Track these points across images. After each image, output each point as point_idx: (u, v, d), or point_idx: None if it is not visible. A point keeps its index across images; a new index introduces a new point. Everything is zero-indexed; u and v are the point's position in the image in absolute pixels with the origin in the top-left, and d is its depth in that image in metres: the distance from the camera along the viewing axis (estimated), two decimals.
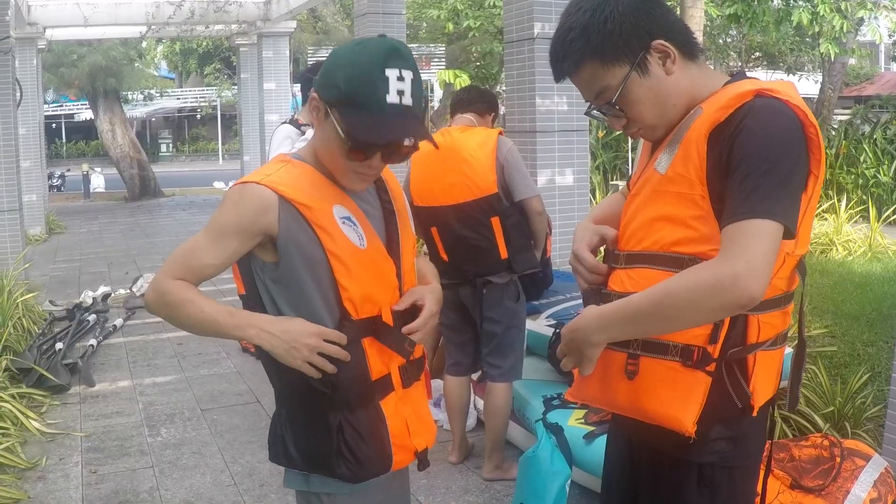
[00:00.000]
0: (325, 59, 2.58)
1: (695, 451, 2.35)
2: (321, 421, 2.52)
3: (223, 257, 2.47)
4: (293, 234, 2.41)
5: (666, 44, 2.32)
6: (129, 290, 11.71)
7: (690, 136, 2.27)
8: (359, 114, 2.36)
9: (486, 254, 5.22)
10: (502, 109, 10.49)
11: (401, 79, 2.36)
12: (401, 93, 2.36)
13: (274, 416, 2.69)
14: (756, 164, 2.12)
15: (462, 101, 5.61)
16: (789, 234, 2.13)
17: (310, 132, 5.76)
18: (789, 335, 2.45)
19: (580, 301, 6.41)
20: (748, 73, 2.50)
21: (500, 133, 5.34)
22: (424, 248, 5.55)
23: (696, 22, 11.41)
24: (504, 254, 5.21)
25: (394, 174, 2.84)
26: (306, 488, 2.63)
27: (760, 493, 2.60)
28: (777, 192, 2.11)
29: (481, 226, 5.15)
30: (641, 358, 2.34)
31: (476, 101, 5.59)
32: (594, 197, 15.00)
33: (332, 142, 2.45)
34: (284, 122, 6.29)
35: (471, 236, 5.20)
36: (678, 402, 2.28)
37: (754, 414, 2.35)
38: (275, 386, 2.66)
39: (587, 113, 2.49)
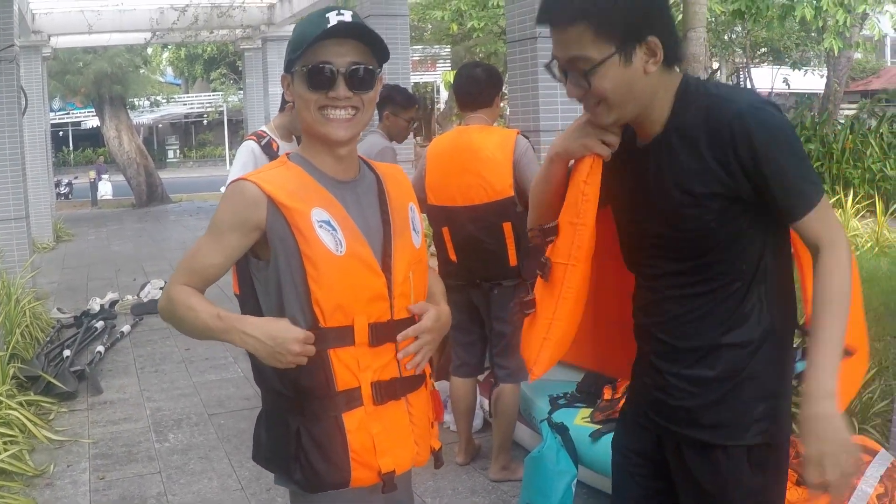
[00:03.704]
0: None
1: (744, 434, 2.43)
2: (283, 423, 2.55)
3: (224, 255, 2.51)
4: (277, 232, 2.44)
5: (658, 43, 2.30)
6: (136, 297, 11.71)
7: None
8: (304, 43, 2.47)
9: (496, 258, 5.19)
10: (507, 109, 10.47)
11: (340, 14, 2.46)
12: (341, 20, 2.46)
13: (258, 415, 2.72)
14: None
15: (466, 98, 5.47)
16: None
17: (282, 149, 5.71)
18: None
19: None
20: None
21: (518, 133, 5.29)
22: (432, 247, 5.53)
23: (700, 18, 11.36)
24: (513, 260, 5.19)
25: (408, 186, 2.84)
26: (286, 486, 2.65)
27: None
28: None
29: (495, 229, 5.13)
30: None
31: (481, 94, 5.43)
32: None
33: (302, 94, 2.54)
34: (249, 137, 6.12)
35: (484, 239, 5.18)
36: None
37: None
38: (257, 385, 2.68)
39: (547, 67, 2.45)
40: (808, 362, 2.29)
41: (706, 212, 2.33)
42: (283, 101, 6.05)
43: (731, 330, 2.41)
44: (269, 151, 5.78)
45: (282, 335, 2.38)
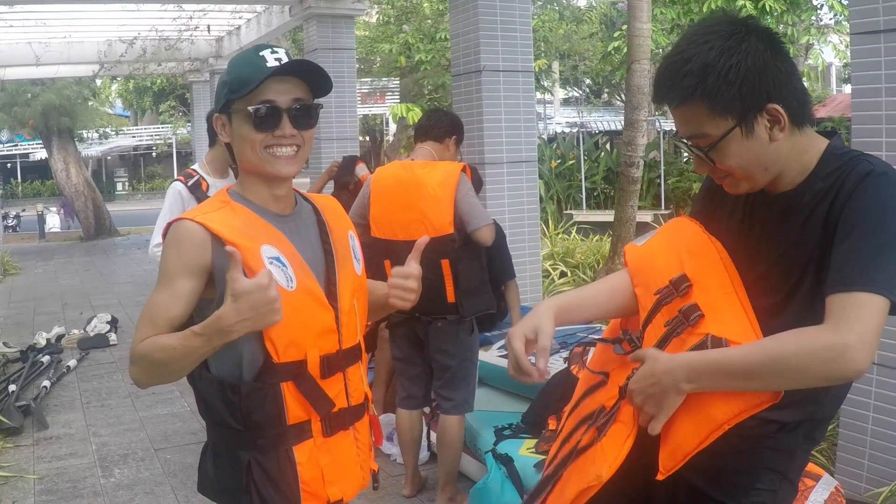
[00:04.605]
0: None
1: (742, 496, 2.38)
2: (233, 457, 2.53)
3: (183, 303, 2.42)
4: (225, 271, 2.30)
5: (780, 109, 2.20)
6: (83, 331, 11.62)
7: None
8: (247, 86, 2.45)
9: (435, 293, 5.16)
10: None
11: (274, 52, 2.49)
12: (278, 59, 2.47)
13: (203, 447, 2.70)
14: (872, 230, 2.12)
15: (420, 130, 5.62)
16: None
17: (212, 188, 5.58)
18: None
19: None
20: None
21: (463, 169, 5.31)
22: None
23: (644, 50, 11.52)
24: (451, 297, 5.21)
25: (344, 216, 2.88)
26: None
27: None
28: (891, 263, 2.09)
29: (433, 265, 5.11)
30: None
31: (433, 128, 5.57)
32: (546, 227, 15.01)
33: (244, 135, 2.52)
34: (178, 178, 5.87)
35: (424, 275, 5.19)
36: None
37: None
38: (202, 418, 2.65)
39: (674, 139, 2.42)
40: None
41: (790, 277, 2.30)
42: (213, 136, 5.80)
43: (777, 408, 2.28)
44: (198, 192, 5.60)
45: (254, 299, 2.23)
